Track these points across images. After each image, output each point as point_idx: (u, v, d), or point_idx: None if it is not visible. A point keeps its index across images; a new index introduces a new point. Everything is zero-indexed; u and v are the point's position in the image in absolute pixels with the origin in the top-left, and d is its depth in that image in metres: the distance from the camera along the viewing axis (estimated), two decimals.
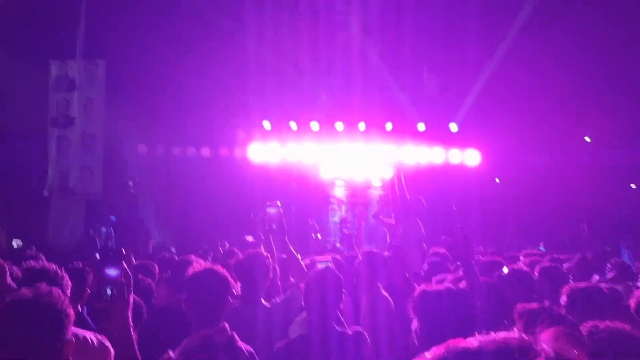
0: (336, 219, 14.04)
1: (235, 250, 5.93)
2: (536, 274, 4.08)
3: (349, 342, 2.86)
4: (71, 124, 11.82)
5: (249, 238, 7.91)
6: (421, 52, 13.18)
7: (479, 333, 1.07)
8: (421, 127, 13.90)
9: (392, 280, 4.98)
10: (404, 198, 6.84)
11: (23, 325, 1.81)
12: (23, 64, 11.38)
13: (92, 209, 12.02)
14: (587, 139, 15.09)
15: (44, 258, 4.62)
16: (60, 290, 1.92)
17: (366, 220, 10.25)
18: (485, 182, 13.91)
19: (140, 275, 3.63)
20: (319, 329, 2.84)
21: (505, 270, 3.99)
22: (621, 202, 13.67)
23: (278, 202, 4.38)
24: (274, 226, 4.26)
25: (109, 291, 2.18)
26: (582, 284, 3.43)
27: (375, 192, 14.17)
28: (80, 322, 2.80)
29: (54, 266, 2.73)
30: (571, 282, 3.93)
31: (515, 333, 1.03)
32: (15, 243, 10.38)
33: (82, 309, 3.17)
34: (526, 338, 1.01)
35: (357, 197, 14.32)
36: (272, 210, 4.31)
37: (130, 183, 13.05)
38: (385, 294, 4.50)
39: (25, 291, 1.87)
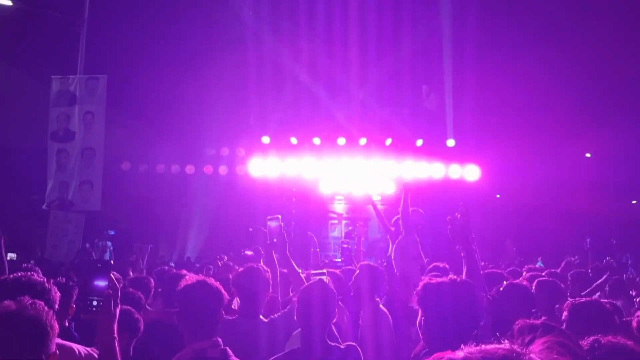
0: (336, 233, 13.99)
1: (231, 264, 5.87)
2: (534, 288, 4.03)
3: (342, 357, 2.80)
4: (71, 138, 11.82)
5: (249, 252, 7.86)
6: (420, 69, 13.29)
7: (483, 325, 1.04)
8: (419, 142, 13.92)
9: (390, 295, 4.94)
10: (406, 213, 6.84)
11: (6, 338, 1.77)
12: (24, 79, 11.45)
13: (91, 223, 11.98)
14: (588, 155, 15.10)
15: (39, 271, 4.57)
16: (43, 303, 1.87)
17: (366, 235, 10.22)
18: (485, 197, 13.87)
19: (130, 289, 3.58)
20: (310, 343, 2.78)
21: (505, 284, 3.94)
22: (623, 218, 13.63)
23: (279, 215, 4.34)
24: (275, 240, 4.21)
25: (94, 302, 2.14)
26: (583, 300, 3.38)
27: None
28: (68, 338, 2.74)
29: (40, 279, 2.67)
30: (569, 297, 3.88)
31: (506, 345, 0.99)
32: (9, 257, 10.29)
33: (69, 324, 3.12)
34: (515, 348, 0.97)
35: (357, 212, 14.28)
36: (273, 224, 4.26)
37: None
38: (384, 308, 4.45)
39: (8, 303, 1.83)
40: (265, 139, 13.94)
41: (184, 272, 4.01)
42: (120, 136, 12.91)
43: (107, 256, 11.78)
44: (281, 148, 13.80)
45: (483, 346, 0.97)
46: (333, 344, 2.87)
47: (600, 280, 5.70)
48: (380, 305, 4.47)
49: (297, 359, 2.79)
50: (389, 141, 13.94)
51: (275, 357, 2.89)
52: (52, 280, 2.62)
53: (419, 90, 14.27)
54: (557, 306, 3.76)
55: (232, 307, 4.19)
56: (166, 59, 12.15)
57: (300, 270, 4.26)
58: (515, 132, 13.58)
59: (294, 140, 13.98)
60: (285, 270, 4.32)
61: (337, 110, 14.01)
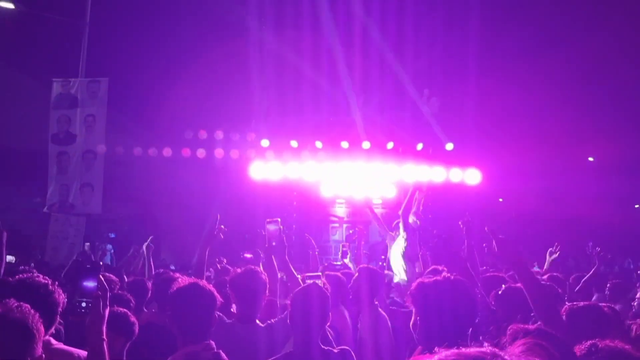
0: (337, 237, 13.95)
1: (229, 267, 5.84)
2: None
3: None
4: (72, 141, 11.83)
5: (248, 255, 7.82)
6: (422, 73, 13.28)
7: (479, 322, 1.02)
8: (420, 146, 13.89)
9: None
10: (407, 212, 6.89)
11: None
12: (26, 82, 11.47)
13: (92, 226, 11.98)
14: (591, 159, 15.05)
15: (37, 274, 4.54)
16: (29, 306, 1.85)
17: (367, 239, 10.19)
18: (487, 201, 13.83)
19: (120, 291, 3.55)
20: (303, 346, 2.74)
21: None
22: (625, 222, 13.58)
23: (278, 219, 4.31)
24: (274, 243, 4.17)
25: (83, 304, 2.11)
26: (582, 304, 3.35)
27: (378, 211, 14.08)
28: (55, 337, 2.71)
29: (45, 280, 2.65)
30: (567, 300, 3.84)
31: (486, 347, 0.96)
32: (8, 259, 10.27)
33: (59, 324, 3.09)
34: (488, 350, 0.94)
35: (358, 215, 14.24)
36: (272, 227, 4.23)
37: None
38: (383, 311, 4.41)
39: None
40: (265, 142, 13.91)
41: (177, 275, 3.98)
42: (122, 139, 12.92)
43: (108, 259, 11.76)
44: (281, 151, 13.77)
45: (460, 349, 0.95)
46: (326, 347, 2.84)
47: (588, 275, 5.74)
48: (379, 309, 4.44)
49: None
50: (390, 145, 13.91)
51: None
52: (56, 282, 2.60)
53: (420, 94, 14.25)
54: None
55: (232, 310, 4.15)
56: (168, 62, 12.18)
57: (299, 276, 4.23)
58: (518, 136, 13.56)
59: (294, 144, 13.95)
60: (283, 274, 4.29)
61: (339, 114, 14.00)
